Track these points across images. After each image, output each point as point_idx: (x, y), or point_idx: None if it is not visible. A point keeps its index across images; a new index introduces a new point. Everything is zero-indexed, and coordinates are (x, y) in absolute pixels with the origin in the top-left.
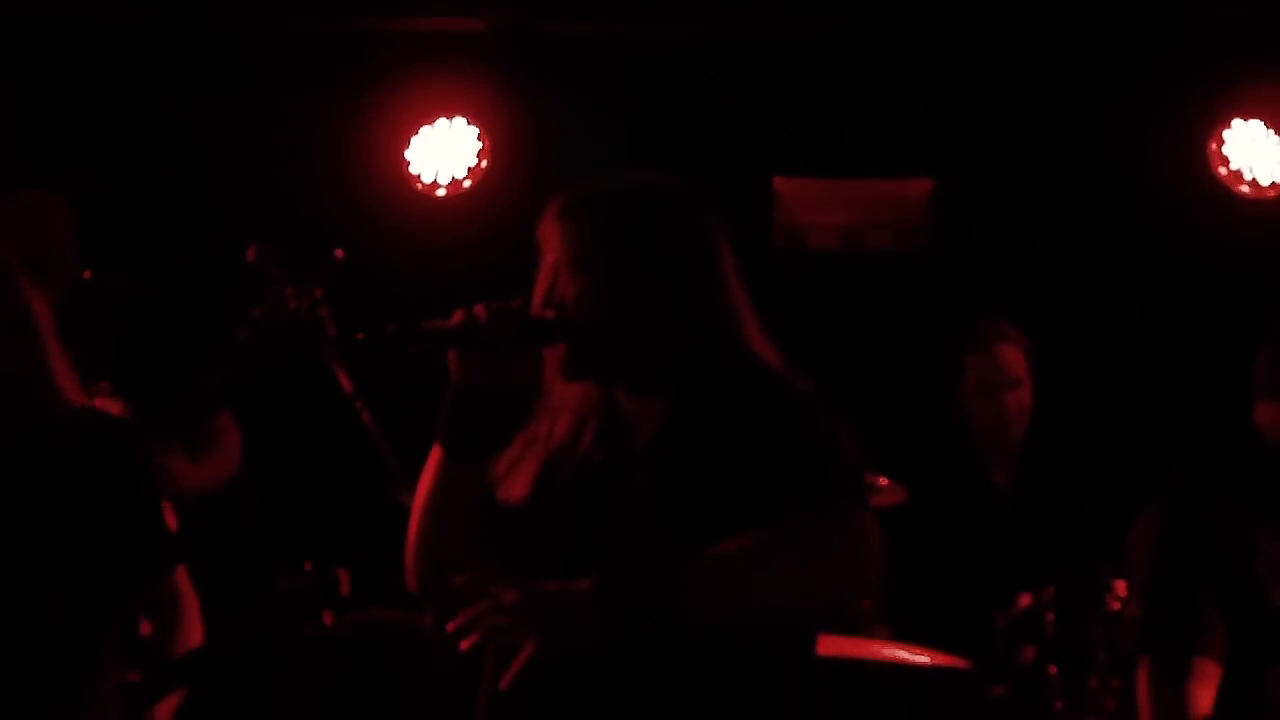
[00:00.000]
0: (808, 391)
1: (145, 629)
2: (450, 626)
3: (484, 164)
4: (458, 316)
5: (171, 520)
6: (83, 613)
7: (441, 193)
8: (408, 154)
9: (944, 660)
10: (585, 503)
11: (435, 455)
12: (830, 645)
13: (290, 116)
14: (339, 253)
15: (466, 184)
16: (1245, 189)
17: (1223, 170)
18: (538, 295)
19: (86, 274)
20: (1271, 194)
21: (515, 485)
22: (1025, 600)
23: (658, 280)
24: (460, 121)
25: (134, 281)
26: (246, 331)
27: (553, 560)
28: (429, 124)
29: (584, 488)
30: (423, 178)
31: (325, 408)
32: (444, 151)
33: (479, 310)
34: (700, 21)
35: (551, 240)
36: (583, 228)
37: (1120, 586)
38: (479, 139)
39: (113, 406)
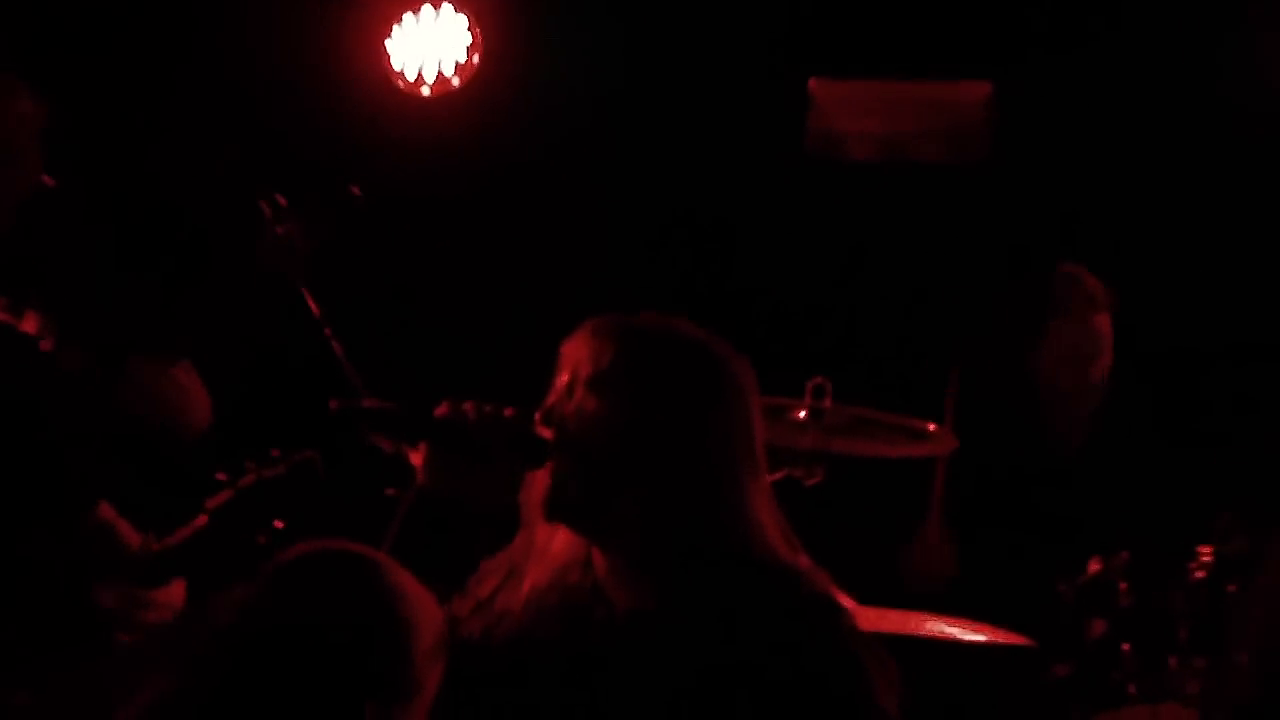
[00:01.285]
0: (830, 604)
1: None
2: None
3: (476, 59)
4: (443, 409)
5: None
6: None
7: (426, 92)
8: (388, 46)
9: (1002, 636)
10: (560, 688)
11: None
12: (875, 619)
13: (254, 5)
14: (355, 189)
15: (455, 82)
16: None
17: None
18: (541, 412)
19: (49, 180)
20: None
21: (479, 630)
22: (1095, 567)
23: (678, 427)
24: (448, 9)
25: (101, 194)
26: (245, 278)
27: None
28: (412, 11)
29: (558, 673)
30: (405, 74)
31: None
32: (430, 45)
33: (467, 408)
34: None
35: (575, 355)
36: (616, 349)
37: (1205, 552)
38: (470, 30)
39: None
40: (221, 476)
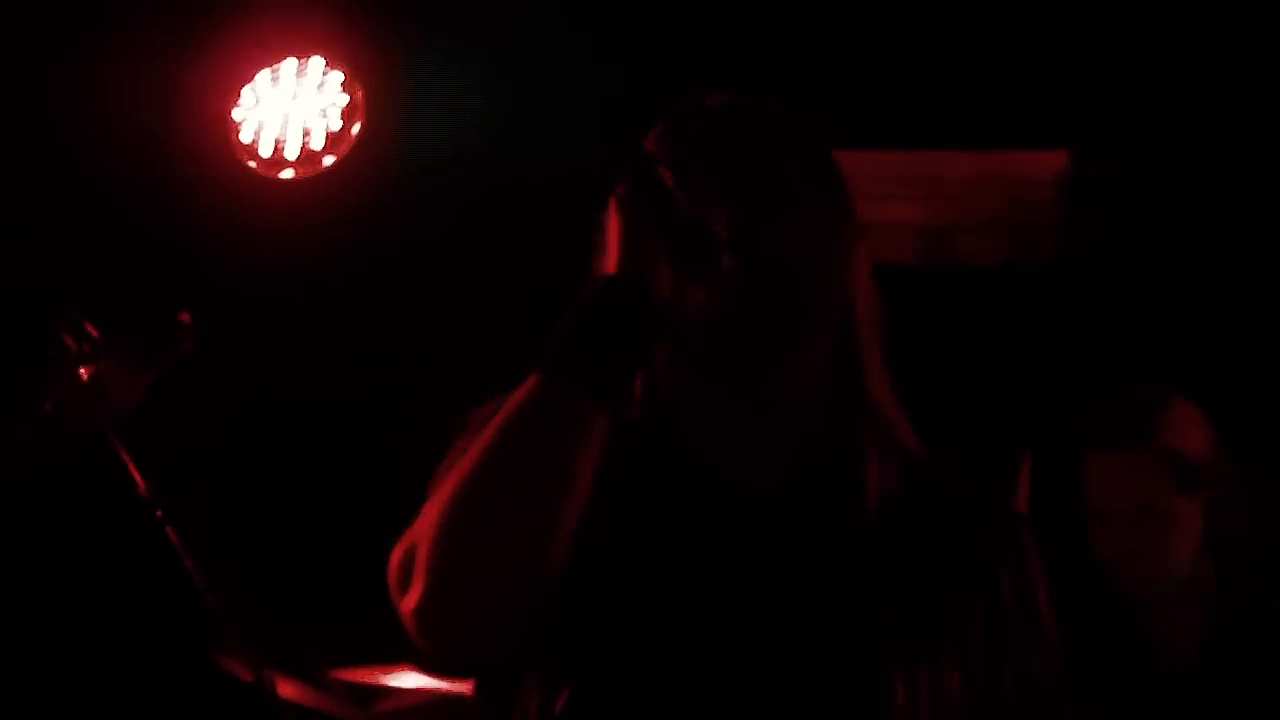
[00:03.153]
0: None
1: None
2: None
3: (355, 129)
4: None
5: None
6: None
7: (288, 174)
8: (236, 114)
9: None
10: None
11: (529, 388)
12: None
13: (66, 59)
14: (185, 316)
15: (327, 160)
16: None
17: None
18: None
19: None
20: None
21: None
22: None
23: (851, 243)
24: (317, 63)
25: None
26: (29, 428)
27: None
28: (269, 66)
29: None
30: (259, 150)
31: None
32: (292, 109)
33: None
34: None
35: (742, 156)
36: (804, 142)
37: None
38: (346, 89)
39: None
40: None
